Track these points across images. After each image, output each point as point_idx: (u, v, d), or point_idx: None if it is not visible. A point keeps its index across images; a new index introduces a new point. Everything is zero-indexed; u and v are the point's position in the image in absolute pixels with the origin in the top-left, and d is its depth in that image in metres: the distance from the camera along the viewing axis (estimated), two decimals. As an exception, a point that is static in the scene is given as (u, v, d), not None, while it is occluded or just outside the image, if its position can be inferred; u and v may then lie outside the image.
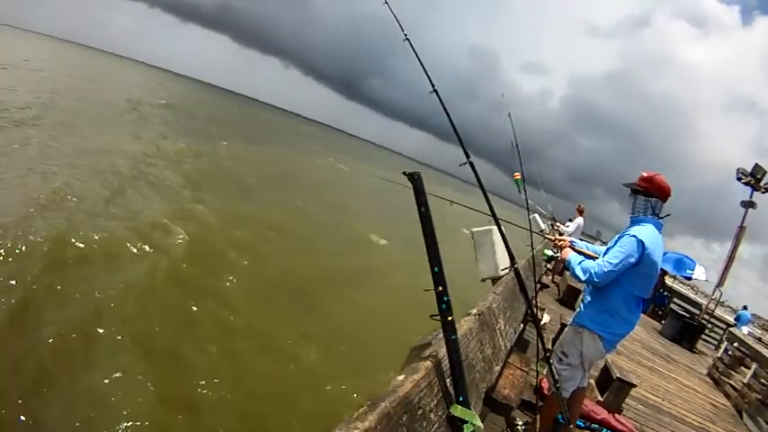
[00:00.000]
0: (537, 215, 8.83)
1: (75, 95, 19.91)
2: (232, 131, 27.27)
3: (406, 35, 2.76)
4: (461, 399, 1.23)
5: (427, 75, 2.56)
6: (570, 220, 9.56)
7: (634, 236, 2.41)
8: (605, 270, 2.41)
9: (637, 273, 2.43)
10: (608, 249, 2.61)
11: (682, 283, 16.57)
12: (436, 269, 1.25)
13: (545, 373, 2.89)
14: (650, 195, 2.53)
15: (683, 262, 11.55)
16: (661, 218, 2.56)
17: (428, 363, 1.27)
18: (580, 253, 2.81)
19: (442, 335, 1.46)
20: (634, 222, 2.56)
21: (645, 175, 2.56)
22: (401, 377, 1.15)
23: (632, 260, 2.37)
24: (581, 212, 9.15)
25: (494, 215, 2.58)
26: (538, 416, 2.92)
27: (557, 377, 2.59)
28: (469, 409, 1.24)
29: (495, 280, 3.81)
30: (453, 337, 1.25)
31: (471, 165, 2.50)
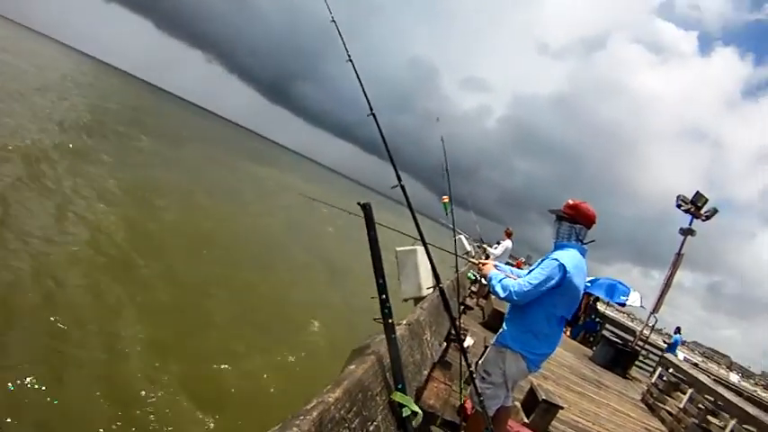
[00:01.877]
0: (463, 236, 10.01)
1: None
2: (138, 130, 25.41)
3: (349, 56, 3.29)
4: (400, 386, 1.83)
5: (367, 98, 3.13)
6: (498, 243, 10.98)
7: (556, 259, 2.90)
8: (525, 290, 2.86)
9: (559, 294, 2.91)
10: (530, 271, 3.10)
11: (618, 310, 18.89)
12: (381, 280, 1.84)
13: (468, 393, 3.52)
14: (575, 222, 3.04)
15: (616, 288, 13.20)
16: (585, 244, 3.10)
17: (372, 357, 1.87)
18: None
19: (379, 338, 2.08)
20: (558, 247, 3.06)
21: (570, 202, 3.09)
22: (352, 366, 1.74)
23: (552, 282, 2.83)
24: (509, 235, 10.56)
25: (422, 238, 3.15)
26: (462, 435, 3.53)
27: (482, 396, 3.00)
28: (407, 396, 1.85)
29: (417, 300, 4.51)
30: (394, 336, 1.85)
31: (403, 188, 3.12)
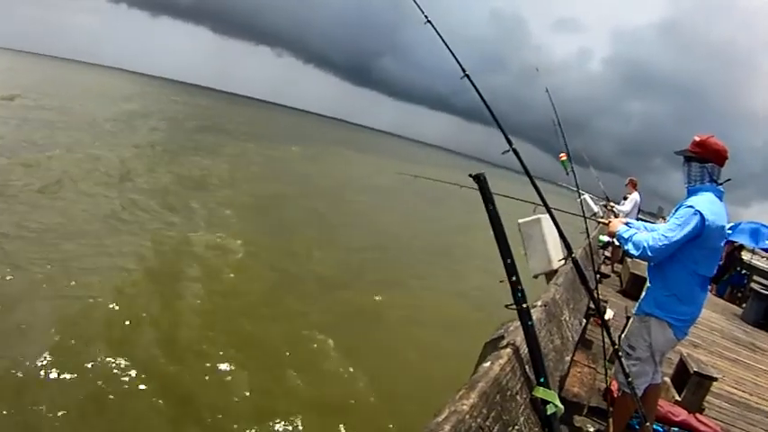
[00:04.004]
0: (587, 196, 9.19)
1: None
2: (240, 139, 28.53)
3: (427, 17, 3.12)
4: (542, 380, 1.63)
5: (456, 59, 2.93)
6: (625, 198, 9.91)
7: (691, 206, 2.67)
8: (659, 244, 2.66)
9: (698, 247, 2.68)
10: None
11: (763, 256, 16.77)
12: (509, 260, 1.64)
13: (613, 373, 3.25)
14: (705, 161, 2.79)
15: (759, 232, 11.76)
16: (720, 184, 2.81)
17: (508, 350, 1.68)
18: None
19: (513, 326, 1.87)
20: (691, 192, 2.83)
21: (697, 138, 2.83)
22: (487, 363, 1.56)
23: (690, 232, 2.61)
24: (634, 186, 9.52)
25: (544, 203, 2.88)
26: (610, 420, 3.27)
27: (628, 374, 2.83)
28: (550, 389, 1.63)
29: (549, 275, 4.19)
30: (530, 323, 1.64)
31: (515, 152, 2.87)
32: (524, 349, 1.75)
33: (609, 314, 5.09)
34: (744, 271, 13.57)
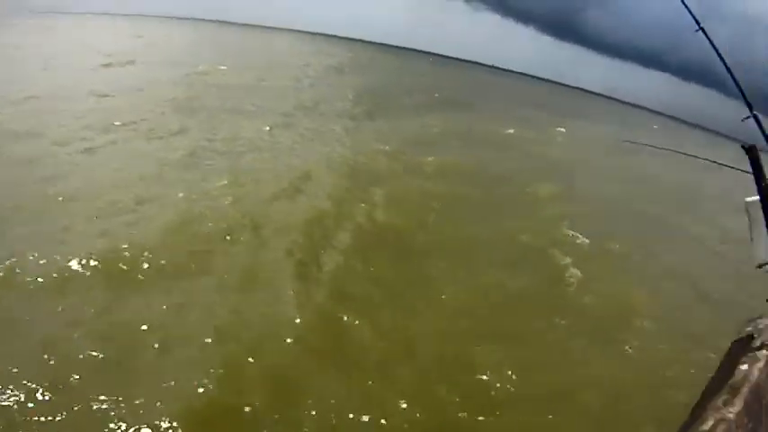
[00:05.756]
0: None
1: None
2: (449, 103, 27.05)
3: None
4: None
5: (689, 10, 2.63)
6: None
7: None
8: None
9: None
10: None
11: None
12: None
13: None
14: None
15: None
16: None
17: (764, 351, 1.53)
18: None
19: (763, 324, 1.69)
20: None
21: None
22: (744, 366, 1.45)
23: None
24: None
25: None
26: None
27: None
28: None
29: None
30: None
31: (756, 118, 2.51)
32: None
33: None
34: None
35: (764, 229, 3.89)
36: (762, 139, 2.52)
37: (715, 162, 3.32)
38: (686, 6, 2.65)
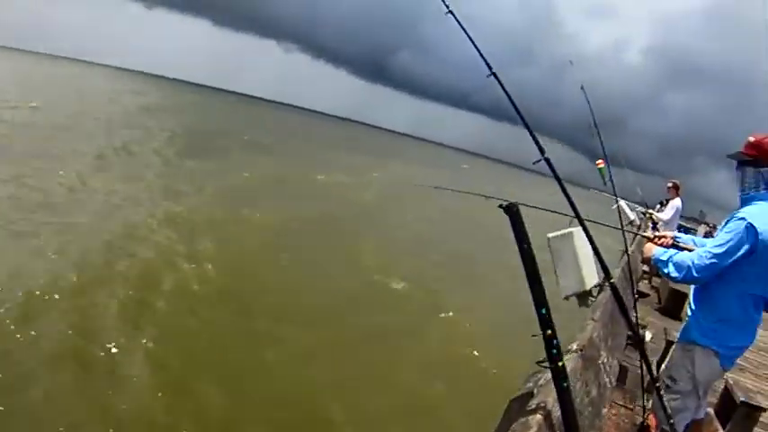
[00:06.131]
0: (623, 202, 8.63)
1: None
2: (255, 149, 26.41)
3: (448, 7, 2.85)
4: (578, 455, 1.37)
5: (482, 55, 2.67)
6: (663, 204, 9.32)
7: (743, 218, 2.39)
8: (707, 262, 2.40)
9: (751, 265, 2.40)
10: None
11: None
12: (543, 311, 1.38)
13: (650, 406, 2.97)
14: (761, 165, 2.48)
15: None
16: None
17: (538, 417, 1.42)
18: (677, 247, 2.77)
19: (544, 379, 1.61)
20: (744, 202, 2.54)
21: (752, 139, 2.52)
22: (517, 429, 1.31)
23: (742, 250, 2.35)
24: (677, 190, 8.81)
25: (577, 216, 2.65)
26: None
27: (667, 409, 2.57)
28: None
29: (581, 296, 3.89)
30: (565, 384, 1.39)
31: (548, 162, 2.61)
32: (557, 411, 1.49)
33: (647, 336, 4.76)
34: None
35: (568, 263, 4.25)
36: (553, 175, 2.65)
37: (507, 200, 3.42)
38: (479, 51, 2.73)
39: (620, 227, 3.45)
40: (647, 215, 9.18)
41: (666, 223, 8.64)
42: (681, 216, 9.54)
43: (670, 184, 8.90)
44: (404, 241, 15.75)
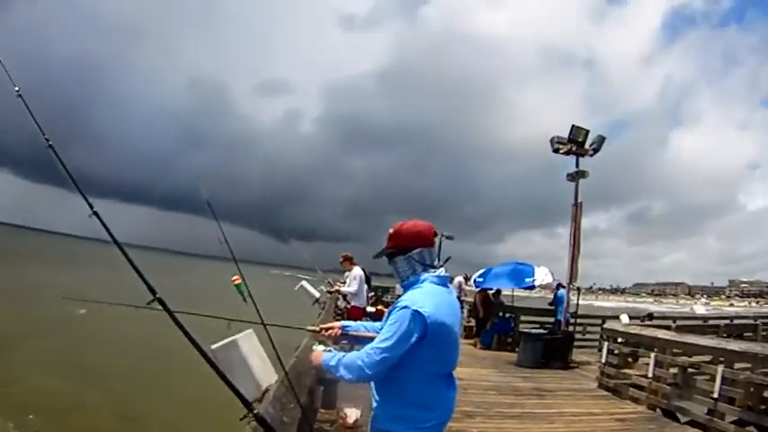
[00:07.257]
0: (304, 282, 8.68)
1: None
2: None
3: (18, 91, 2.48)
4: None
5: (41, 127, 2.37)
6: (344, 276, 9.39)
7: (406, 306, 2.29)
8: (376, 359, 2.26)
9: (428, 347, 2.30)
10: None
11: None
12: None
13: None
14: (408, 250, 2.48)
15: (517, 271, 12.03)
16: (438, 267, 2.52)
17: None
18: (357, 338, 2.69)
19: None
20: (407, 287, 2.49)
21: (391, 230, 2.56)
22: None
23: (412, 337, 2.25)
24: (351, 261, 9.02)
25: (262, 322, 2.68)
26: None
27: None
28: None
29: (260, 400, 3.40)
30: None
31: (97, 215, 2.38)
32: None
33: (353, 415, 4.50)
34: (507, 315, 13.24)
35: (241, 371, 3.73)
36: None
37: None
38: (36, 121, 2.23)
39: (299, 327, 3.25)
40: (334, 291, 9.33)
41: (355, 295, 8.77)
42: (369, 281, 9.72)
43: (341, 259, 9.05)
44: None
